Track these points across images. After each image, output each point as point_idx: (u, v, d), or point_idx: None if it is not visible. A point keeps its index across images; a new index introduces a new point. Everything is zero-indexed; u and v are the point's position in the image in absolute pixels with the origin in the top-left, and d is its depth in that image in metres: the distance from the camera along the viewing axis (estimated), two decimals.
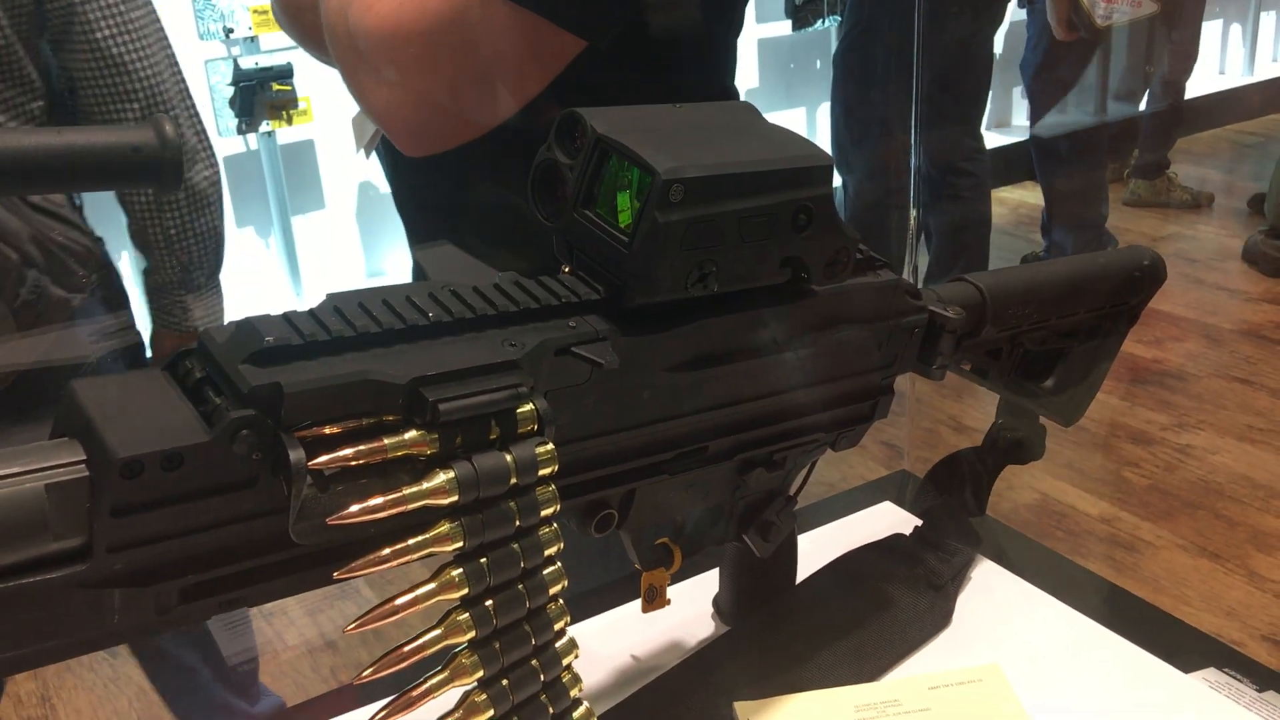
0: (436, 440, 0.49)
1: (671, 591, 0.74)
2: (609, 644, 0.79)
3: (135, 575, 0.46)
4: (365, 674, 0.51)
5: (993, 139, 4.94)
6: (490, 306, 0.54)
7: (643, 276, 0.56)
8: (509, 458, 0.51)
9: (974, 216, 3.05)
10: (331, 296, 0.52)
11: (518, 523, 0.52)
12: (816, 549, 0.84)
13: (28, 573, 0.44)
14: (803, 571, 0.82)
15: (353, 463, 0.48)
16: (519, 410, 0.52)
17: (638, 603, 0.71)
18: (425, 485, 0.49)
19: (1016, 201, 4.66)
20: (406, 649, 0.51)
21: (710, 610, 0.82)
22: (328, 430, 0.48)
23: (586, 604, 0.83)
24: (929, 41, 2.10)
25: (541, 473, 0.52)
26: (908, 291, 0.71)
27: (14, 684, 2.28)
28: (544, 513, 0.53)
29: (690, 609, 0.81)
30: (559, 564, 0.54)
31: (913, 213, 2.27)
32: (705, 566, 0.83)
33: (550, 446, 0.52)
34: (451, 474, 0.49)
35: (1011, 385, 0.85)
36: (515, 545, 0.52)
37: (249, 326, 0.48)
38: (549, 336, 0.54)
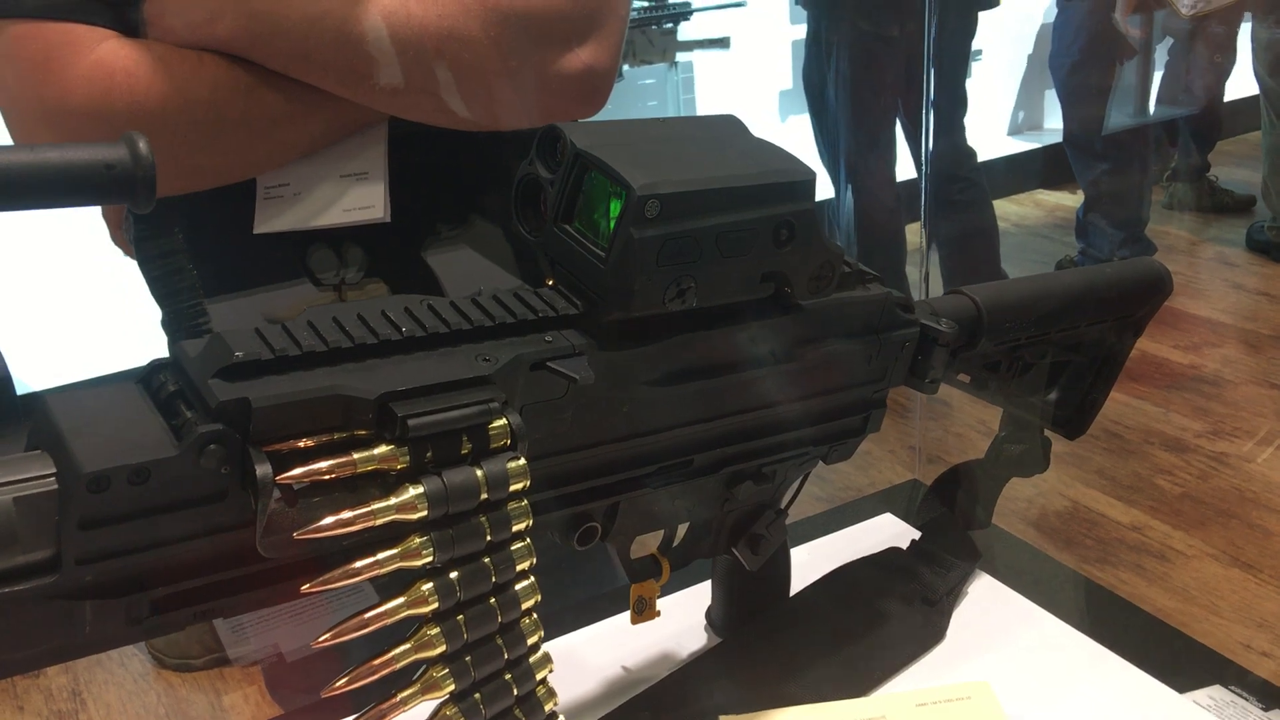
0: (406, 455, 0.50)
1: (664, 603, 0.74)
2: (600, 654, 0.79)
3: (106, 587, 0.47)
4: (337, 685, 0.51)
5: (1021, 142, 4.90)
6: (465, 321, 0.54)
7: (619, 291, 0.56)
8: (479, 473, 0.51)
9: (976, 224, 3.02)
10: (307, 311, 0.53)
11: (489, 537, 0.52)
12: (813, 561, 0.84)
13: None
14: (799, 583, 0.81)
15: (322, 477, 0.48)
16: (491, 425, 0.52)
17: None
18: (394, 500, 0.49)
19: (1053, 204, 4.62)
20: (376, 663, 0.51)
21: (703, 622, 0.81)
22: (297, 444, 0.48)
23: (579, 614, 0.83)
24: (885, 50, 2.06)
25: (513, 487, 0.52)
26: (898, 305, 0.70)
27: (45, 678, 2.32)
28: (516, 527, 0.53)
29: (683, 620, 0.81)
30: (532, 579, 0.54)
31: (921, 224, 2.25)
32: (699, 578, 0.83)
33: (522, 462, 0.52)
34: (420, 489, 0.50)
35: (1013, 398, 0.84)
36: (486, 560, 0.52)
37: (220, 341, 0.49)
38: (523, 351, 0.54)
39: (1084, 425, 0.88)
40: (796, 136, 3.48)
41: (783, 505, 0.74)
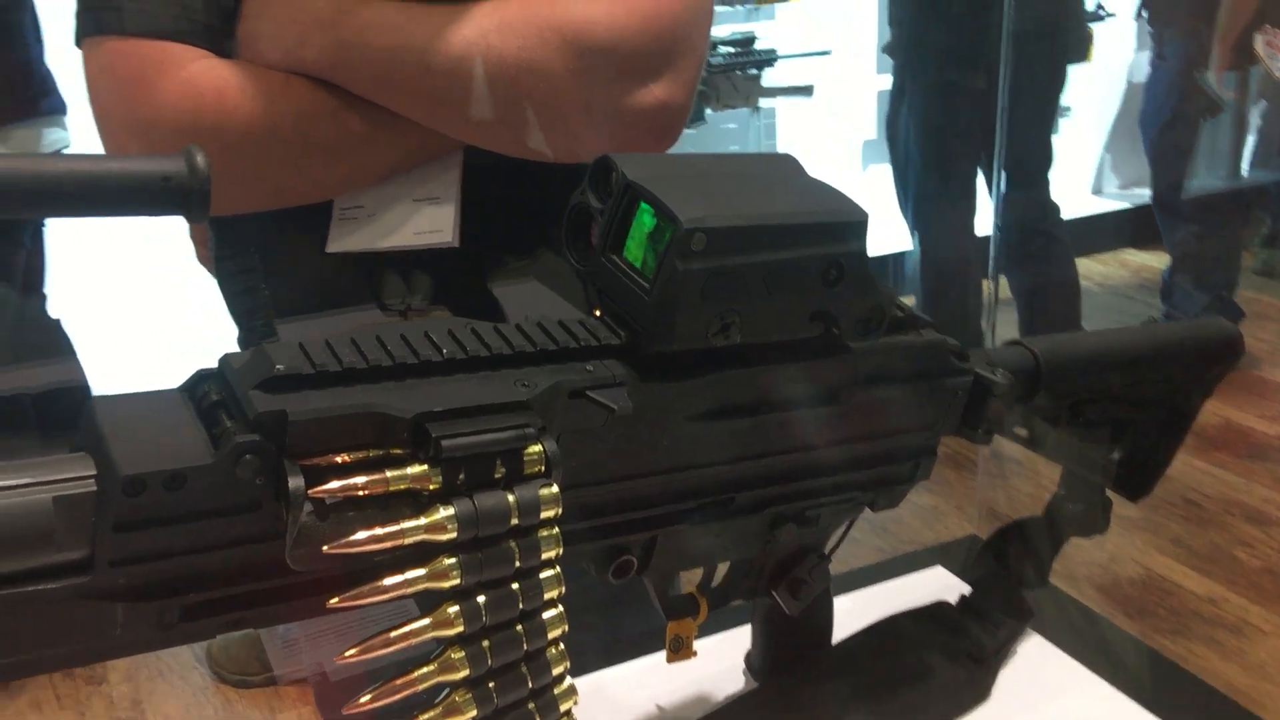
0: (439, 476, 0.50)
1: (705, 644, 0.73)
2: (636, 691, 0.78)
3: (138, 590, 0.48)
4: (361, 701, 0.52)
5: (1108, 200, 4.81)
6: (507, 346, 0.55)
7: (662, 324, 0.56)
8: (510, 498, 0.51)
9: (1056, 280, 2.96)
10: (353, 330, 0.53)
11: (518, 563, 0.52)
12: (859, 610, 0.83)
13: (31, 581, 0.45)
14: (842, 632, 0.80)
15: (355, 493, 0.49)
16: (526, 451, 0.52)
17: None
18: (424, 520, 0.49)
19: (1139, 265, 4.52)
20: (399, 682, 0.51)
21: (742, 665, 0.80)
22: (333, 459, 0.49)
23: (615, 649, 0.83)
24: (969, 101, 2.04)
25: (544, 515, 0.52)
26: (952, 352, 0.69)
27: (108, 685, 2.36)
28: (545, 555, 0.53)
29: (722, 662, 0.80)
30: (560, 608, 0.54)
31: (989, 276, 2.22)
32: (741, 620, 0.82)
33: (555, 489, 0.52)
34: (451, 510, 0.50)
35: (1073, 455, 0.82)
36: (515, 586, 0.52)
37: (263, 354, 0.50)
38: (563, 379, 0.54)
39: (1147, 487, 0.86)
40: (878, 186, 3.46)
41: (827, 550, 0.73)
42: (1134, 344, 0.79)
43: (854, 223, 0.59)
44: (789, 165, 0.63)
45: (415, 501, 0.50)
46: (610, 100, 0.92)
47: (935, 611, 0.83)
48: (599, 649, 0.84)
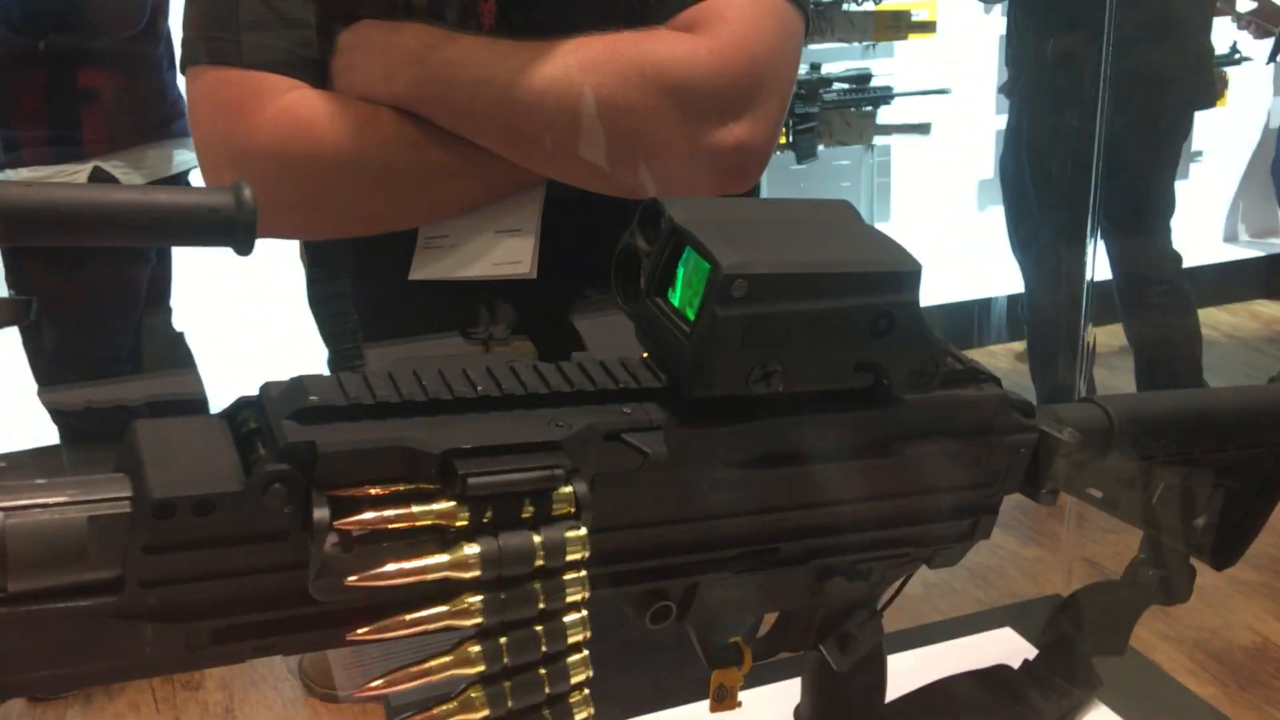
0: (466, 513, 0.50)
1: (754, 695, 0.72)
2: None
3: (167, 611, 0.49)
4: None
5: (1240, 249, 4.62)
6: (544, 385, 0.55)
7: (701, 369, 0.55)
8: (537, 538, 0.51)
9: (1176, 331, 2.85)
10: (391, 364, 0.54)
11: (542, 605, 0.52)
12: (918, 669, 0.80)
13: (64, 597, 0.47)
14: (898, 690, 0.77)
15: (381, 526, 0.49)
16: (555, 492, 0.52)
17: None
18: (448, 557, 0.50)
19: (1271, 317, 4.34)
20: (417, 718, 0.51)
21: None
22: (361, 492, 0.49)
23: (667, 694, 0.82)
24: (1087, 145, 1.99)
25: (570, 557, 0.52)
26: (1016, 408, 0.67)
27: (204, 692, 2.43)
28: (571, 598, 0.52)
29: (771, 715, 0.78)
30: (585, 653, 0.54)
31: (1081, 326, 2.15)
32: (792, 673, 0.80)
33: (582, 532, 0.52)
34: (476, 548, 0.50)
35: (1151, 519, 0.79)
36: (538, 628, 0.52)
37: (298, 384, 0.50)
38: (598, 420, 0.54)
39: (1233, 557, 0.82)
40: (994, 228, 3.39)
41: (879, 606, 0.71)
42: (1222, 406, 0.75)
43: (905, 273, 0.57)
44: (844, 212, 0.62)
45: (441, 538, 0.50)
46: (690, 139, 0.92)
47: (995, 675, 0.80)
48: (648, 693, 0.83)
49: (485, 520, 0.50)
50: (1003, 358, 4.09)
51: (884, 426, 0.62)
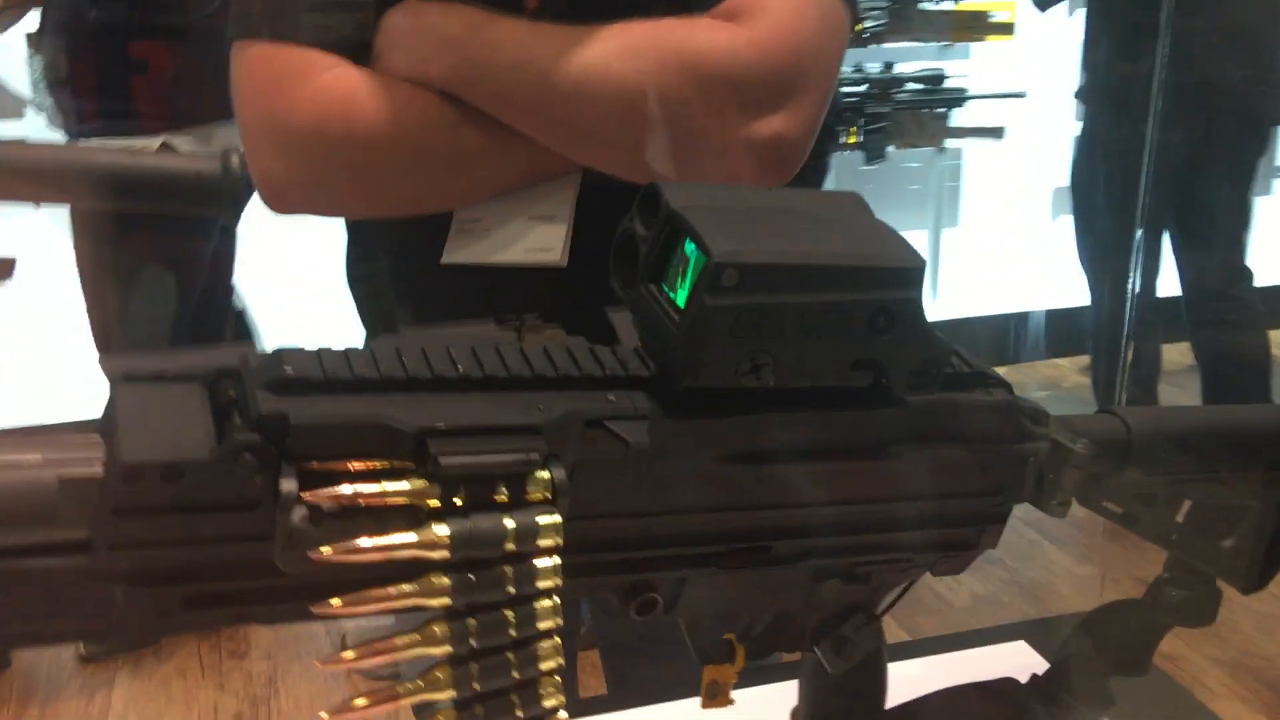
0: (439, 493, 0.49)
1: (750, 695, 0.71)
2: None
3: (137, 575, 0.49)
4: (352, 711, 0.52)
5: None
6: (528, 369, 0.54)
7: (689, 359, 0.54)
8: (507, 522, 0.50)
9: (1244, 349, 2.77)
10: (374, 341, 0.54)
11: (511, 589, 0.51)
12: (925, 677, 0.78)
13: (35, 555, 0.47)
14: (905, 696, 0.76)
15: (351, 502, 0.49)
16: (531, 476, 0.51)
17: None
18: (417, 536, 0.49)
19: None
20: (379, 695, 0.51)
21: None
22: (333, 466, 0.49)
23: (667, 688, 0.81)
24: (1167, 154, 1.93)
25: (543, 543, 0.51)
26: (1027, 415, 0.65)
27: (249, 661, 2.47)
28: (542, 584, 0.52)
29: (768, 716, 0.77)
30: (557, 640, 0.53)
31: (1123, 342, 2.09)
32: (793, 673, 0.78)
33: (556, 519, 0.51)
34: (445, 529, 0.49)
35: (1171, 537, 0.76)
36: (508, 613, 0.51)
37: (278, 356, 0.50)
38: (581, 407, 0.53)
39: (1263, 580, 0.78)
40: (1067, 236, 3.32)
41: (878, 611, 0.69)
42: (1248, 423, 0.72)
43: (907, 269, 0.56)
44: (851, 204, 0.60)
45: (413, 517, 0.50)
46: (726, 130, 0.91)
47: (999, 688, 0.78)
48: (650, 684, 0.82)
49: (458, 501, 0.50)
50: (1068, 370, 4.01)
51: (882, 428, 0.60)
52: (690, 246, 0.55)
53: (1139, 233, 2.02)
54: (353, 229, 1.20)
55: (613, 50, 0.90)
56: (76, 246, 2.26)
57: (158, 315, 2.38)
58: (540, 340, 0.96)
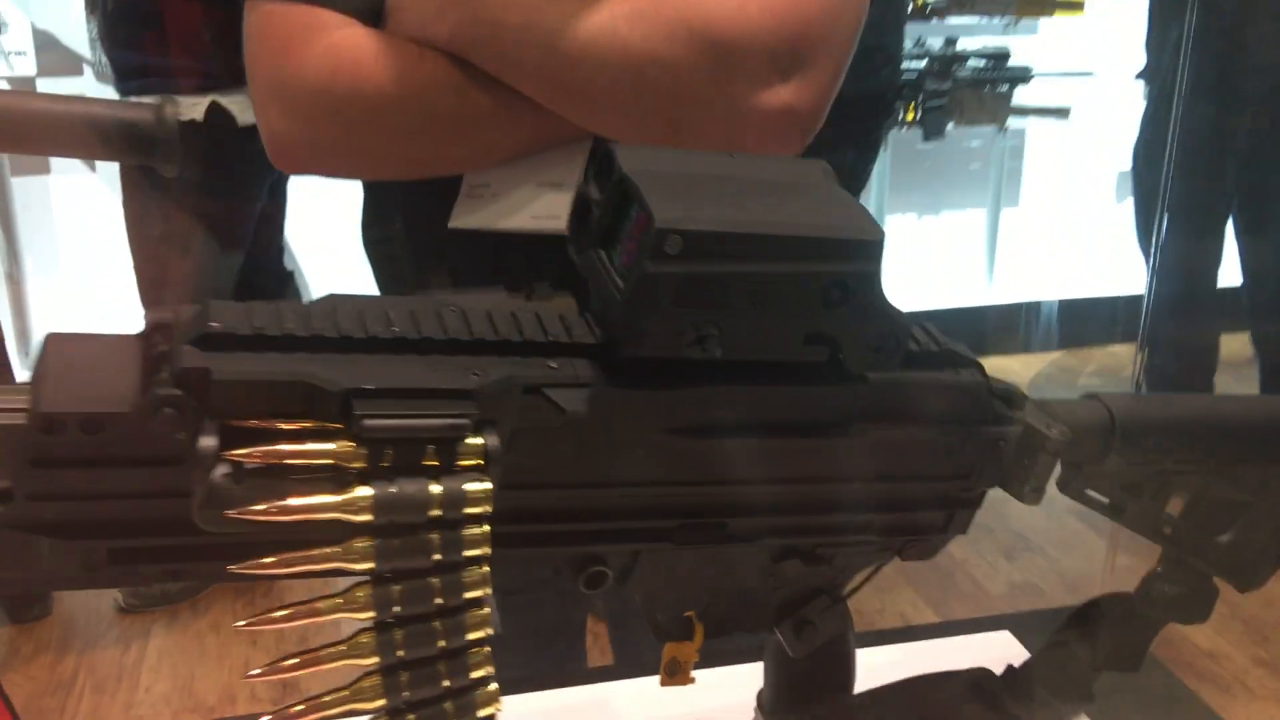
0: (365, 455, 0.49)
1: (717, 675, 0.69)
2: (636, 714, 0.75)
3: (61, 527, 0.49)
4: (255, 673, 0.51)
5: None
6: (467, 331, 0.53)
7: (631, 328, 0.53)
8: (434, 488, 0.49)
9: None
10: (313, 300, 0.53)
11: (437, 557, 0.50)
12: (901, 663, 0.76)
13: None
14: (875, 681, 0.74)
15: (274, 461, 0.48)
16: (463, 442, 0.50)
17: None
18: (339, 498, 0.48)
19: None
20: (305, 658, 0.51)
21: (754, 702, 0.75)
22: (257, 424, 0.48)
23: (634, 665, 0.79)
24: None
25: (470, 510, 0.50)
26: (1000, 397, 0.62)
27: (278, 639, 2.50)
28: (469, 553, 0.51)
29: (732, 697, 0.75)
30: (486, 610, 0.52)
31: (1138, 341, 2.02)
32: (758, 655, 0.77)
33: (486, 486, 0.50)
34: (368, 491, 0.48)
35: (1156, 530, 0.73)
36: (433, 580, 0.50)
37: (206, 310, 0.50)
38: (519, 373, 0.52)
39: (1259, 578, 0.75)
40: (1131, 221, 3.24)
41: (843, 593, 0.67)
42: (1241, 416, 0.69)
43: (864, 241, 0.53)
44: (816, 173, 0.58)
45: (339, 479, 0.49)
46: (734, 99, 0.89)
47: (973, 677, 0.76)
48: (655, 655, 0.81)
49: (384, 465, 0.49)
50: (1126, 359, 3.92)
51: (839, 405, 0.58)
52: (637, 211, 0.53)
53: (1161, 215, 1.95)
54: (369, 191, 1.20)
55: (620, 14, 0.88)
56: (125, 205, 2.29)
57: (204, 275, 2.41)
58: (550, 309, 0.95)
